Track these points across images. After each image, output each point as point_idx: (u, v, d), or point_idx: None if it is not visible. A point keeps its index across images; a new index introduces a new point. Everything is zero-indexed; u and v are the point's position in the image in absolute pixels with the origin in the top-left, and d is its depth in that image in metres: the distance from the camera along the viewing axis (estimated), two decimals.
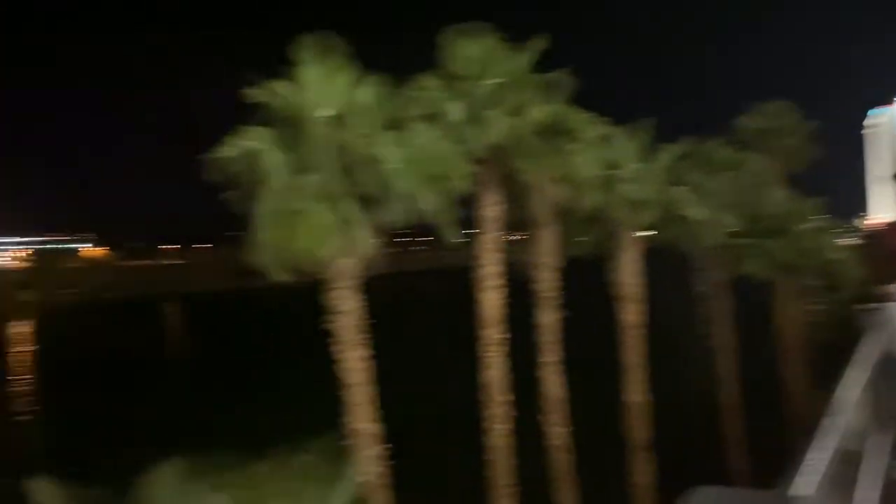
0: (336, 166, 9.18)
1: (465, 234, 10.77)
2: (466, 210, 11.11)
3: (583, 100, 11.87)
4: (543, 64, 11.40)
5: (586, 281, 16.42)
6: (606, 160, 13.32)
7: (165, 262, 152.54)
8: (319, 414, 8.94)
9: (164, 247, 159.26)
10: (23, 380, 48.11)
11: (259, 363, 44.29)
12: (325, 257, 8.92)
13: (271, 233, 8.80)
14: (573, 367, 14.16)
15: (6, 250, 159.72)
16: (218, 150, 9.04)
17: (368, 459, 7.94)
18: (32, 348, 68.13)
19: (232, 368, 43.88)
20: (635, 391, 15.38)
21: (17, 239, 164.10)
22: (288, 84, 9.30)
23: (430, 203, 8.99)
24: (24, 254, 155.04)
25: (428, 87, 9.77)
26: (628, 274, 15.59)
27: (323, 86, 9.31)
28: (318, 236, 8.69)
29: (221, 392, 35.76)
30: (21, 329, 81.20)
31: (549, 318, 13.66)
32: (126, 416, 31.36)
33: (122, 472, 4.83)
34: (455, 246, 10.43)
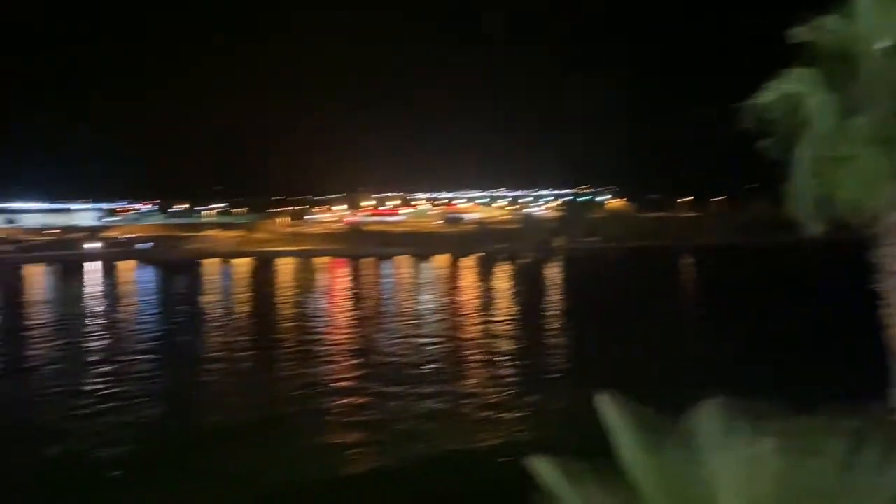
0: (893, 105, 8.01)
1: None
2: None
3: None
4: None
5: None
6: None
7: (680, 214, 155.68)
8: (857, 380, 8.17)
9: (681, 200, 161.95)
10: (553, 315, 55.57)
11: (779, 320, 42.07)
12: (875, 209, 7.91)
13: (812, 182, 8.17)
14: None
15: (543, 202, 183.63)
16: (755, 96, 8.72)
17: None
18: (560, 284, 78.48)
19: (749, 322, 42.76)
20: None
21: (552, 192, 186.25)
22: (837, 17, 8.39)
23: None
24: (555, 205, 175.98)
25: None
26: None
27: (880, 13, 8.14)
28: (868, 186, 7.73)
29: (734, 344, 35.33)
30: (551, 270, 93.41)
31: None
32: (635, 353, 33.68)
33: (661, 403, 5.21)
34: None
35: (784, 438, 4.66)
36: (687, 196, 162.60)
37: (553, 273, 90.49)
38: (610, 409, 5.18)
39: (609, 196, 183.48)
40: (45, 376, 36.41)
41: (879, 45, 8.13)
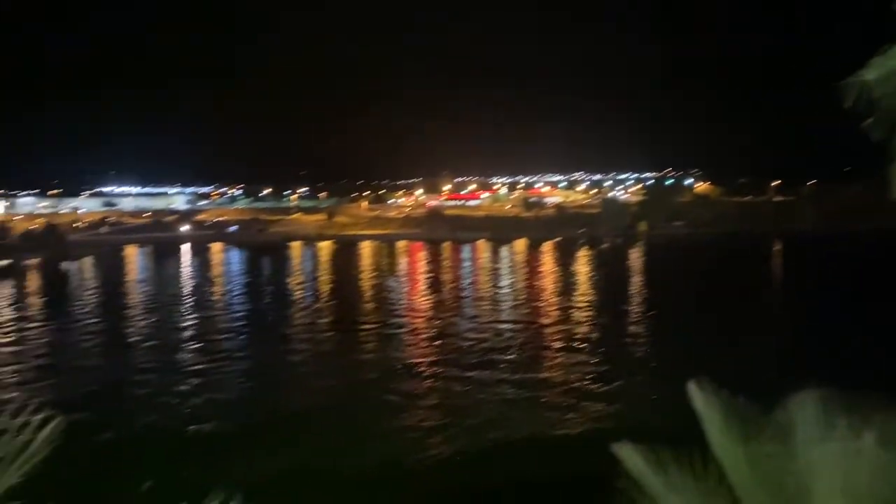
0: None
1: None
2: None
3: None
4: None
5: None
6: None
7: (771, 198, 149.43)
8: None
9: (771, 183, 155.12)
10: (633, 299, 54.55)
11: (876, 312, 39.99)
12: None
13: None
14: None
15: (625, 186, 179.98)
16: (857, 73, 8.24)
17: None
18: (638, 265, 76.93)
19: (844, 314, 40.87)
20: None
21: (635, 175, 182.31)
22: None
23: None
24: (638, 188, 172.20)
25: None
26: None
27: None
28: None
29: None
30: (632, 255, 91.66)
31: None
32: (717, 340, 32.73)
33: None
34: None
35: (886, 432, 4.45)
36: (777, 180, 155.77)
37: (635, 259, 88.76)
38: (701, 397, 5.06)
39: (693, 180, 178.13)
40: (148, 350, 38.44)
41: None
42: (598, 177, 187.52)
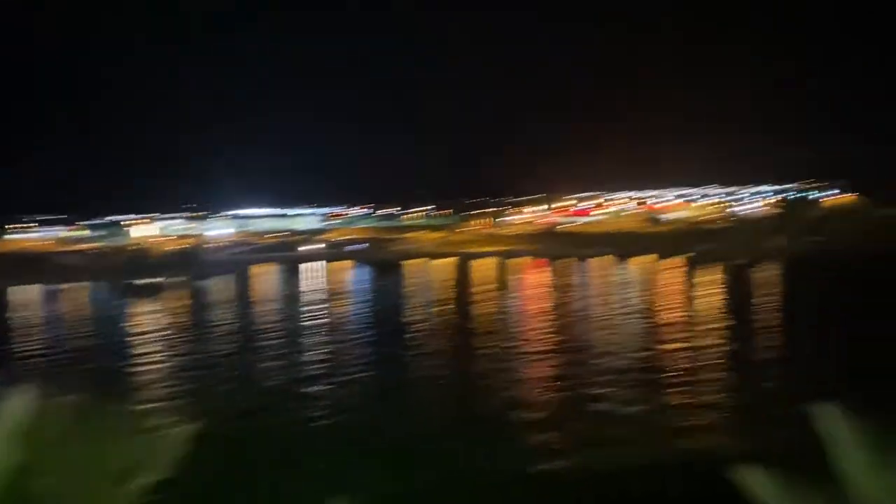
0: None
1: None
2: None
3: None
4: None
5: None
6: None
7: None
8: None
9: None
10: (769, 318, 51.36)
11: None
12: None
13: None
14: None
15: (760, 199, 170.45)
16: None
17: None
18: (774, 289, 72.22)
19: None
20: None
21: (771, 187, 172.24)
22: None
23: None
24: (774, 201, 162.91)
25: None
26: None
27: None
28: None
29: None
30: (768, 273, 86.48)
31: None
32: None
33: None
34: None
35: None
36: None
37: (770, 277, 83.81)
38: (834, 421, 4.61)
39: (837, 191, 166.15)
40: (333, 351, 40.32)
41: None
42: (731, 189, 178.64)
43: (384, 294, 79.29)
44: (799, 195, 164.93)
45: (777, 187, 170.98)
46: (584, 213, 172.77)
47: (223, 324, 56.79)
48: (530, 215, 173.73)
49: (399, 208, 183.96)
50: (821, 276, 77.31)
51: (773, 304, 61.10)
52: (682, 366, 36.27)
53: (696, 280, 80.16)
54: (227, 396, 32.36)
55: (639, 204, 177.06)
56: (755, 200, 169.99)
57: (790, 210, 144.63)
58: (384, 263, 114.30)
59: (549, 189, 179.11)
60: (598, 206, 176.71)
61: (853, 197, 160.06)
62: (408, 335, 48.91)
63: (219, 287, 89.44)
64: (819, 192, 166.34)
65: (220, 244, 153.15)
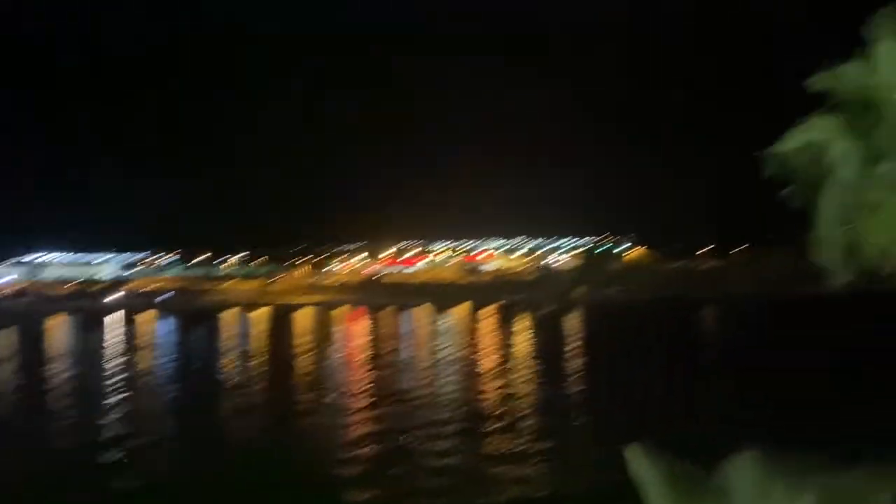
0: None
1: None
2: None
3: None
4: None
5: None
6: None
7: (703, 264, 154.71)
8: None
9: (702, 249, 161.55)
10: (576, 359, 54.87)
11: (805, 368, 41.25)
12: None
13: (838, 231, 8.08)
14: None
15: (563, 252, 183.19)
16: (777, 144, 8.73)
17: None
18: (582, 336, 77.64)
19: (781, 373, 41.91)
20: None
21: (573, 240, 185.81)
22: (857, 66, 8.41)
23: None
24: (575, 254, 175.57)
25: None
26: None
27: None
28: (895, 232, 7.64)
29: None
30: (573, 320, 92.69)
31: None
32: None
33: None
34: None
35: (826, 493, 4.49)
36: (709, 245, 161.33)
37: (572, 324, 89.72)
38: (640, 461, 5.04)
39: (629, 245, 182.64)
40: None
41: None
42: (538, 242, 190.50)
43: (193, 347, 74.92)
44: (600, 248, 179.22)
45: (578, 240, 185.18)
46: (409, 262, 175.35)
47: None
48: (353, 265, 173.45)
49: (211, 255, 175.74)
50: (619, 322, 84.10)
51: (578, 349, 65.39)
52: (496, 412, 37.58)
53: (508, 328, 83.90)
54: None
55: (458, 254, 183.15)
56: (561, 253, 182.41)
57: (591, 262, 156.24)
58: (196, 314, 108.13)
59: (372, 238, 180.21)
60: (421, 256, 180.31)
61: (643, 251, 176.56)
62: (213, 392, 46.44)
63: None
64: (614, 245, 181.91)
65: (5, 294, 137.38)
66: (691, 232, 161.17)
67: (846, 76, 8.16)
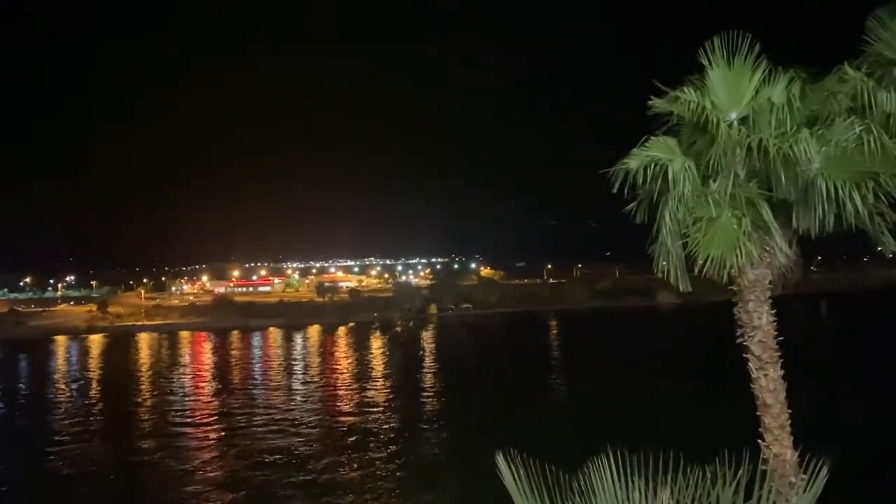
0: (747, 170, 8.76)
1: None
2: None
3: None
4: None
5: None
6: None
7: (548, 280, 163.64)
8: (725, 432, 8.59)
9: (548, 267, 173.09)
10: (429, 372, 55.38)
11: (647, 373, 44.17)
12: (736, 266, 8.49)
13: (677, 244, 8.69)
14: None
15: (415, 271, 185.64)
16: (621, 163, 9.28)
17: (791, 486, 7.27)
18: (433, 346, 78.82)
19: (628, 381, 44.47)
20: None
21: (423, 260, 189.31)
22: (692, 90, 9.15)
23: (857, 206, 7.98)
24: (426, 273, 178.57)
25: (852, 77, 8.71)
26: None
27: (730, 88, 8.96)
28: (729, 244, 8.32)
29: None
30: (425, 336, 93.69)
31: None
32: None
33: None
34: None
35: (678, 491, 4.71)
36: (551, 264, 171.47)
37: (426, 340, 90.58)
38: (505, 467, 5.06)
39: (476, 265, 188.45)
40: None
41: (729, 117, 8.87)
42: (388, 262, 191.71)
43: (18, 375, 68.30)
44: (448, 267, 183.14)
45: (428, 260, 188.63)
46: (260, 282, 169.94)
47: None
48: (199, 285, 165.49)
49: (37, 279, 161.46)
50: (470, 336, 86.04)
51: (430, 364, 66.02)
52: (349, 434, 36.95)
53: (359, 346, 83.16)
54: None
55: (307, 274, 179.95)
56: (410, 272, 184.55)
57: (440, 281, 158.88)
58: (23, 341, 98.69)
59: (221, 259, 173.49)
60: (274, 276, 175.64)
61: (491, 270, 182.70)
62: (38, 425, 42.47)
63: None
64: (463, 265, 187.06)
65: None
66: (534, 252, 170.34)
67: (682, 100, 8.82)
